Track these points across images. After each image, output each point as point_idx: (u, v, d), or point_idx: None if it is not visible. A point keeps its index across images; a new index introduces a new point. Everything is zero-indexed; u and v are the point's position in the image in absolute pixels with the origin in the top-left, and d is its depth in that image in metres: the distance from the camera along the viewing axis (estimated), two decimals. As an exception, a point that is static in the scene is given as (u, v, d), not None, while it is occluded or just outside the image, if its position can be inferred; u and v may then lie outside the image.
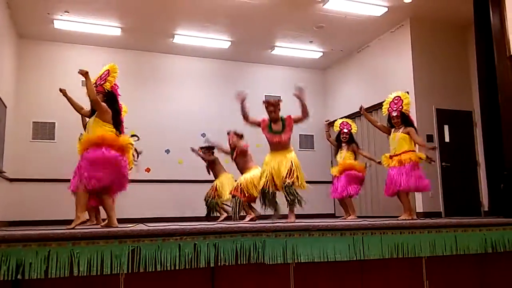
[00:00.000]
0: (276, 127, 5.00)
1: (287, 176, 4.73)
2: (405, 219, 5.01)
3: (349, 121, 7.21)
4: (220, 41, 8.98)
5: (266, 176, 4.87)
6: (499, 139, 5.48)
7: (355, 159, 6.85)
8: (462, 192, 7.70)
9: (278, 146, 4.97)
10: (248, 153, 6.29)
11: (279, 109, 5.05)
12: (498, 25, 5.63)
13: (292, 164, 4.80)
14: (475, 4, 6.07)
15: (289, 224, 3.73)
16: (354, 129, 7.06)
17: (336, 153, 7.03)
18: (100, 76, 4.50)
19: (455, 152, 7.82)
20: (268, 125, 5.04)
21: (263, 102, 5.08)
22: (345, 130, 6.95)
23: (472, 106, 7.99)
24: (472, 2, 6.16)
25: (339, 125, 7.04)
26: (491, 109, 5.67)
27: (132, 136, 4.47)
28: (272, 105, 5.01)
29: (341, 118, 7.68)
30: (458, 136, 7.92)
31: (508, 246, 4.02)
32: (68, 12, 7.63)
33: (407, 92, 6.20)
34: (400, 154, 5.53)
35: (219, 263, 3.12)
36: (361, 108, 6.21)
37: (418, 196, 7.43)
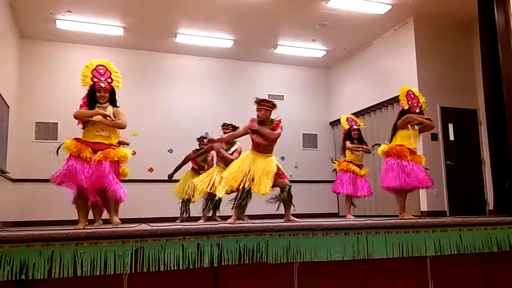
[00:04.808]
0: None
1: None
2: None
3: (353, 117, 7.14)
4: (222, 40, 8.96)
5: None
6: (504, 138, 5.43)
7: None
8: (467, 191, 7.65)
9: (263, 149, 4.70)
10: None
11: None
12: (502, 22, 5.58)
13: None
14: (480, 1, 6.01)
15: (292, 223, 3.72)
16: (362, 125, 7.00)
17: (344, 152, 6.81)
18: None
19: (459, 150, 7.77)
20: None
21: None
22: (355, 127, 6.79)
23: (477, 105, 7.94)
24: (476, -1, 6.12)
25: (346, 121, 6.89)
26: (496, 107, 5.61)
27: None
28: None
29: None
30: (463, 134, 7.88)
31: (514, 245, 4.00)
32: (70, 12, 7.62)
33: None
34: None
35: (222, 263, 3.11)
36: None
37: (423, 195, 7.39)
